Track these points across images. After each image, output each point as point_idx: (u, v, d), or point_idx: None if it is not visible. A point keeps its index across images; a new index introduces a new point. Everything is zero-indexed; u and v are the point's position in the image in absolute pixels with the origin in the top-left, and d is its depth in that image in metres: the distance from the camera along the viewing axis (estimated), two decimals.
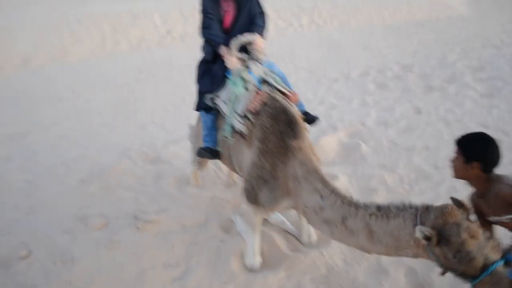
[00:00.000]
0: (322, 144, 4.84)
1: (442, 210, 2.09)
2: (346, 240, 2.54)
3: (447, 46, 9.92)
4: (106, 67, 10.53)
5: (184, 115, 6.63)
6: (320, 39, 11.77)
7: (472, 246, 1.98)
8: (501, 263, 1.95)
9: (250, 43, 3.23)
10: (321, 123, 5.25)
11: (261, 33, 3.31)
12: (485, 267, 1.95)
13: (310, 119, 3.28)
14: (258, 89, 3.07)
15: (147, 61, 10.86)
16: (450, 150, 4.40)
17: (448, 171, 4.05)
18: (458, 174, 2.28)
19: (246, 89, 3.07)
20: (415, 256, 2.25)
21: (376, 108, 5.94)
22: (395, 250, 2.31)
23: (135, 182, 4.43)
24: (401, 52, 9.82)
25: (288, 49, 10.91)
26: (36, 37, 11.95)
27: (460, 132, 4.79)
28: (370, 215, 2.36)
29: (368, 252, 2.48)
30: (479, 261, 1.96)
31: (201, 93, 3.42)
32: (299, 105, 3.30)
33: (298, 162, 2.76)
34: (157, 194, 4.11)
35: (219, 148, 3.40)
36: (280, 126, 2.87)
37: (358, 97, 6.58)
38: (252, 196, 2.92)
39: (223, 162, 3.57)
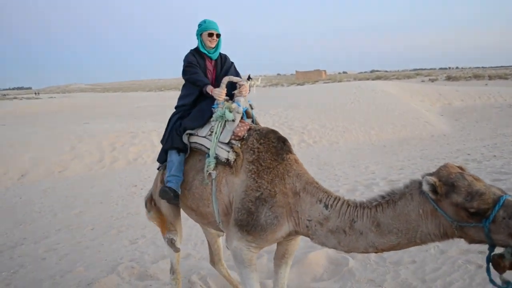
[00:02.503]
0: (311, 259, 4.87)
1: (442, 166, 2.26)
2: (354, 245, 2.50)
3: (432, 162, 10.35)
4: (102, 182, 10.79)
5: None
6: (310, 157, 12.28)
7: (479, 185, 2.10)
8: (509, 197, 2.03)
9: (237, 88, 3.56)
10: None
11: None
12: (495, 201, 2.02)
13: None
14: (243, 119, 3.30)
15: (143, 176, 11.15)
16: (436, 263, 4.47)
17: (437, 285, 4.07)
18: None
19: (233, 119, 3.25)
20: (427, 235, 2.28)
21: None
22: (406, 235, 2.32)
23: None
24: (388, 168, 10.22)
25: None
26: (36, 153, 12.40)
27: (446, 243, 4.90)
28: (376, 206, 2.41)
29: (379, 250, 2.44)
30: (489, 196, 2.04)
31: (176, 133, 3.54)
32: None
33: (295, 175, 2.80)
34: None
35: (180, 192, 3.42)
36: (274, 143, 2.99)
37: None
38: (250, 222, 2.80)
39: (195, 207, 3.45)
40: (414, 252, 4.88)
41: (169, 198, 3.44)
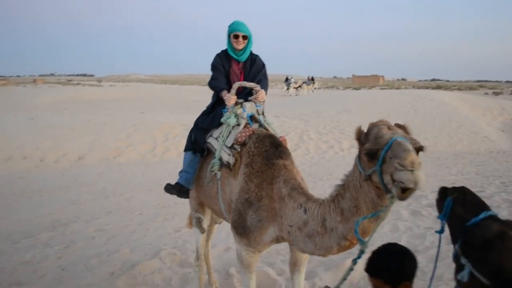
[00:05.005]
0: (348, 265, 4.82)
1: (374, 122, 2.27)
2: (328, 243, 2.52)
3: (487, 179, 9.90)
4: (153, 170, 11.18)
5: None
6: None
7: (387, 132, 2.11)
8: (402, 138, 2.09)
9: (252, 93, 3.58)
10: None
11: (264, 89, 3.63)
12: (386, 143, 2.06)
13: None
14: (249, 124, 3.35)
15: None
16: None
17: None
18: None
19: (238, 124, 3.33)
20: (369, 204, 2.28)
21: (407, 234, 5.93)
22: (358, 210, 2.34)
23: (161, 281, 4.56)
24: (439, 181, 9.87)
25: (327, 170, 11.25)
26: (93, 138, 13.05)
27: None
28: (338, 195, 2.45)
29: (349, 239, 2.46)
30: (385, 139, 2.06)
31: (197, 135, 3.71)
32: None
33: (282, 180, 2.83)
34: None
35: (191, 188, 3.65)
36: (266, 147, 3.06)
37: (390, 222, 6.60)
38: (240, 224, 2.91)
39: (208, 204, 3.73)
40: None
41: (175, 194, 3.72)
